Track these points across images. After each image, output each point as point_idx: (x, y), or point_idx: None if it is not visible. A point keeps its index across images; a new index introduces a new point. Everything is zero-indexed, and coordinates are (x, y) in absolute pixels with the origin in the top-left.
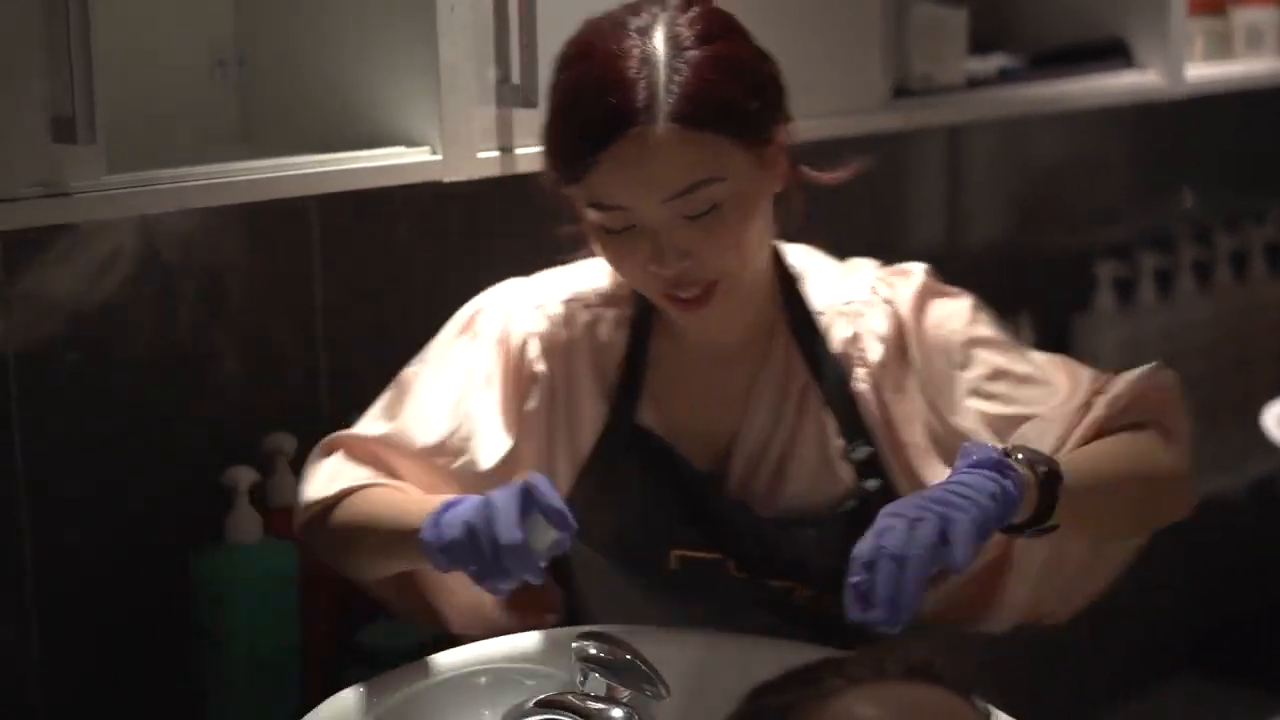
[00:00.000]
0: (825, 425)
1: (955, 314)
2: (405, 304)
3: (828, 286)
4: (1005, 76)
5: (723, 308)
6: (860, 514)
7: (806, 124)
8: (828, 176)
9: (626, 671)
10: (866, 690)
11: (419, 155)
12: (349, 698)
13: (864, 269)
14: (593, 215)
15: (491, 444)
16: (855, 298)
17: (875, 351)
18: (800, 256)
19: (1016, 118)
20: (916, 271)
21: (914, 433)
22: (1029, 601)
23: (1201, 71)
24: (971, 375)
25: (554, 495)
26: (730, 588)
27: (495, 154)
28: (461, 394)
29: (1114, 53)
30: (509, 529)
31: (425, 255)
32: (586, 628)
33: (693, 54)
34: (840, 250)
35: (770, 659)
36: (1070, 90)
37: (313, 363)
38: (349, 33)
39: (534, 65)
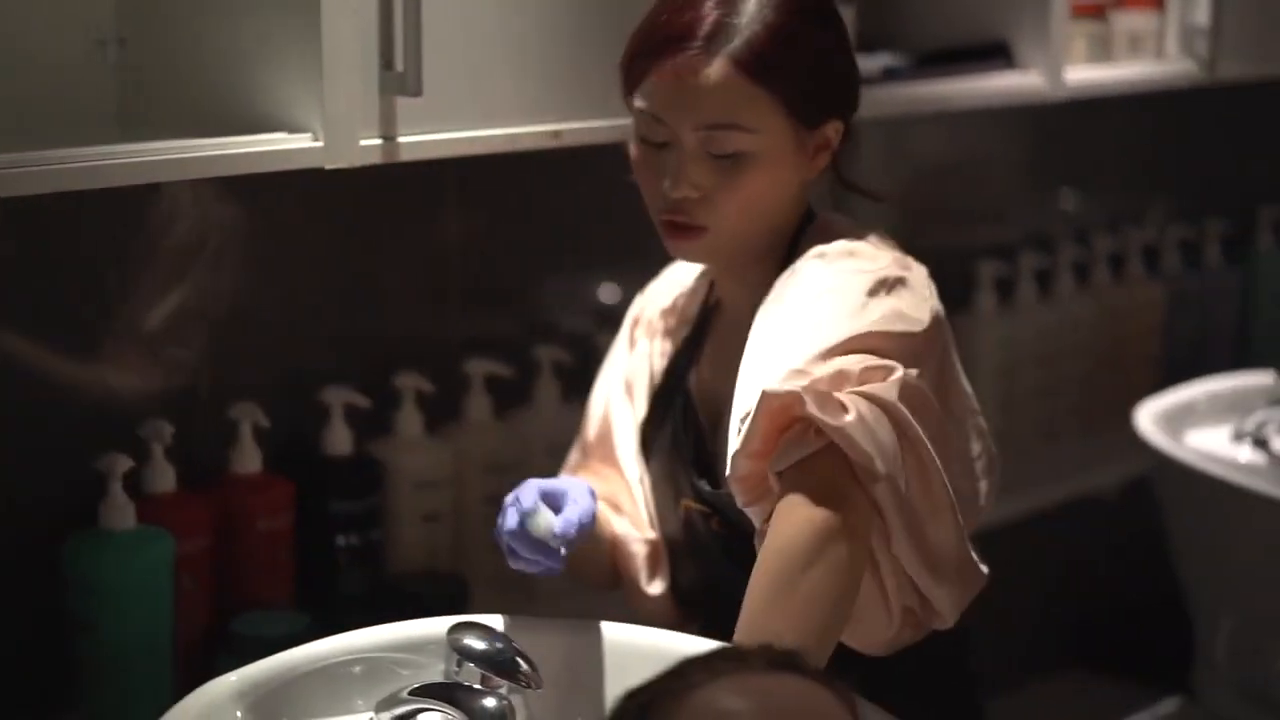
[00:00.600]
0: None
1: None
2: (287, 289)
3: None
4: (889, 76)
5: (709, 256)
6: None
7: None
8: (869, 192)
9: (500, 662)
10: (728, 681)
11: (300, 141)
12: (221, 686)
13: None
14: (639, 124)
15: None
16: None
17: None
18: (814, 231)
19: (900, 117)
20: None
21: None
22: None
23: (1082, 74)
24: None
25: (574, 506)
26: (714, 541)
27: (378, 142)
28: (605, 392)
29: (997, 54)
30: (508, 518)
31: (309, 240)
32: (460, 618)
33: (779, 16)
34: None
35: (648, 649)
36: (953, 90)
37: (192, 350)
38: (232, 16)
39: (418, 53)
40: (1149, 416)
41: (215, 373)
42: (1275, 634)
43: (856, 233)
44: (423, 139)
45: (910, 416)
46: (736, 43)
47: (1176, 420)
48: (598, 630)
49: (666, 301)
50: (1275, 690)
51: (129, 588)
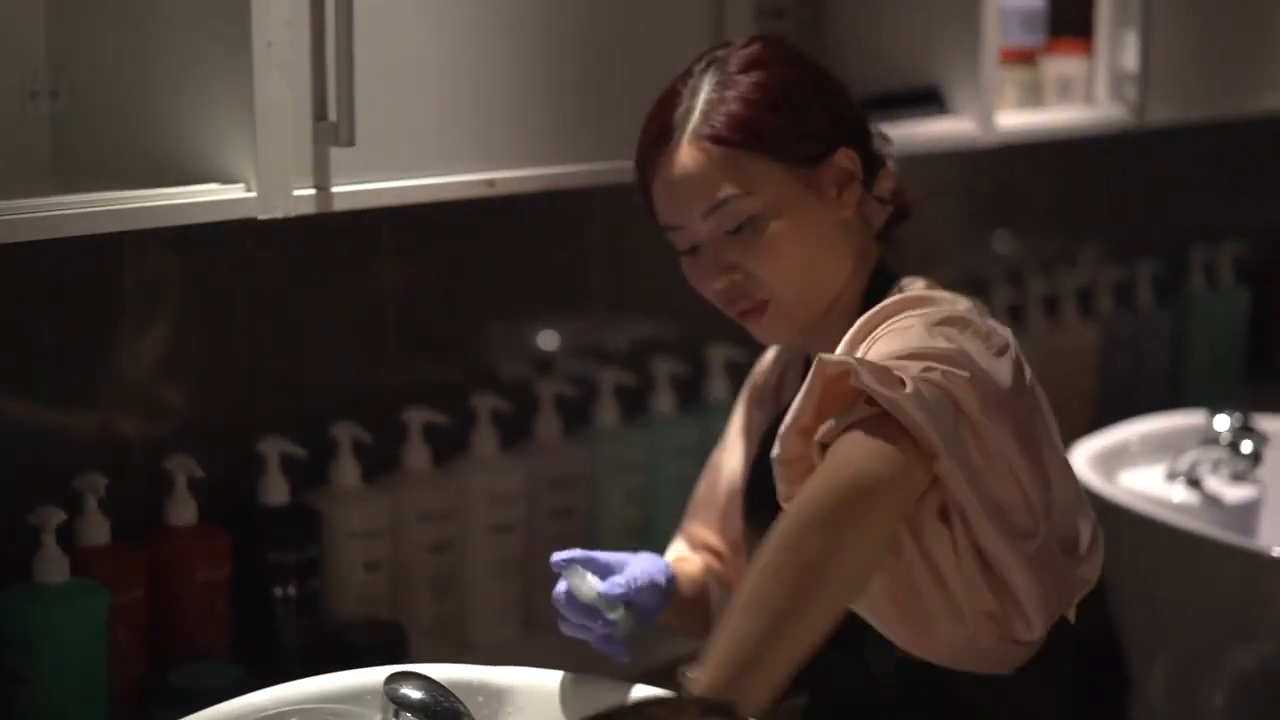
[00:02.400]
0: None
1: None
2: (222, 340)
3: None
4: None
5: (785, 326)
6: None
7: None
8: (912, 194)
9: (437, 711)
10: None
11: (233, 192)
12: None
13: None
14: (671, 242)
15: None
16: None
17: None
18: (913, 286)
19: None
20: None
21: None
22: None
23: (1013, 120)
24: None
25: (630, 570)
26: None
27: (312, 192)
28: (719, 451)
29: (929, 100)
30: (557, 584)
31: (243, 290)
32: (398, 667)
33: (729, 80)
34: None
35: (588, 697)
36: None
37: (124, 401)
38: (165, 67)
39: (351, 103)
40: (1083, 457)
41: (150, 424)
42: (1210, 672)
43: (937, 291)
44: (356, 189)
45: (977, 405)
46: (695, 119)
47: (1110, 461)
48: (537, 679)
49: (769, 369)
50: None
51: (63, 641)
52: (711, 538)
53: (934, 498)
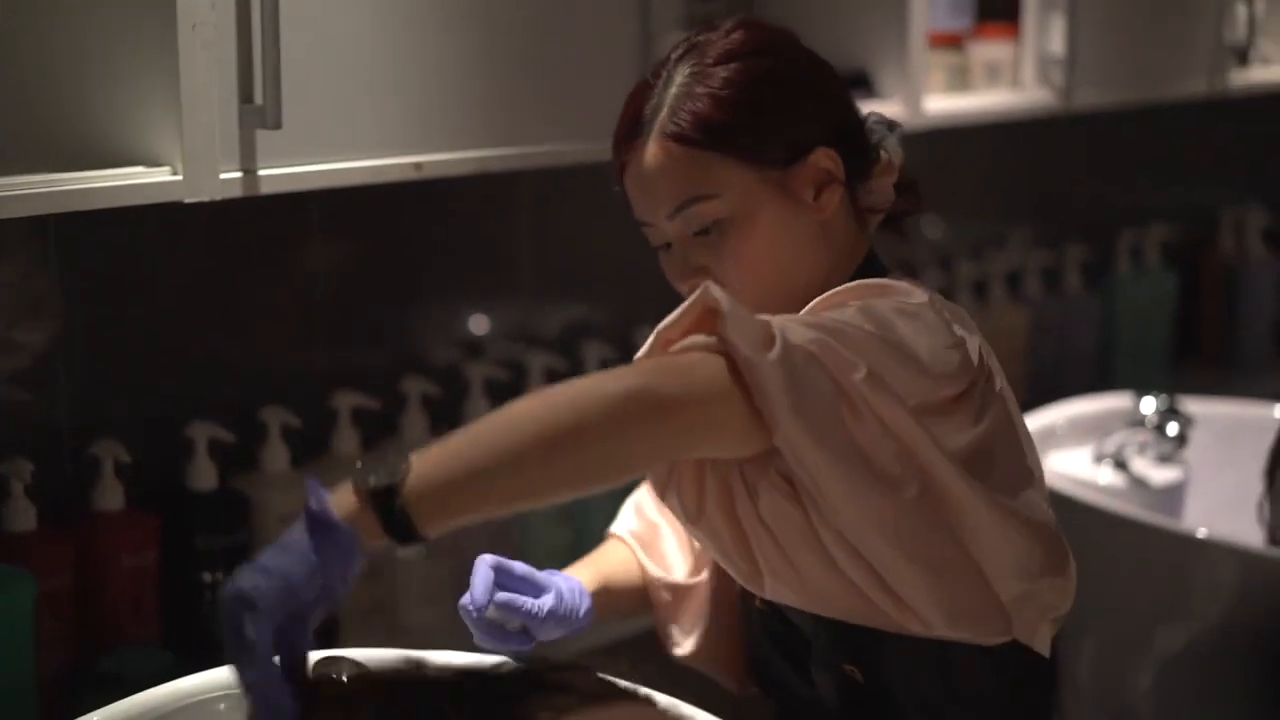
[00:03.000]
0: None
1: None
2: (149, 324)
3: None
4: None
5: None
6: None
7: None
8: (888, 209)
9: None
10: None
11: (159, 175)
12: None
13: None
14: (645, 234)
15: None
16: None
17: None
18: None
19: None
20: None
21: None
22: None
23: (941, 104)
24: None
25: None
26: (758, 619)
27: (238, 175)
28: None
29: (858, 84)
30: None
31: (171, 274)
32: (327, 652)
33: (702, 72)
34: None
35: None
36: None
37: (52, 385)
38: (90, 49)
39: (277, 85)
40: None
41: (76, 409)
42: (1137, 655)
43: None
44: (283, 172)
45: (869, 392)
46: (662, 115)
47: (1039, 443)
48: (468, 661)
49: None
50: (1138, 712)
51: None
52: (659, 514)
53: (770, 466)
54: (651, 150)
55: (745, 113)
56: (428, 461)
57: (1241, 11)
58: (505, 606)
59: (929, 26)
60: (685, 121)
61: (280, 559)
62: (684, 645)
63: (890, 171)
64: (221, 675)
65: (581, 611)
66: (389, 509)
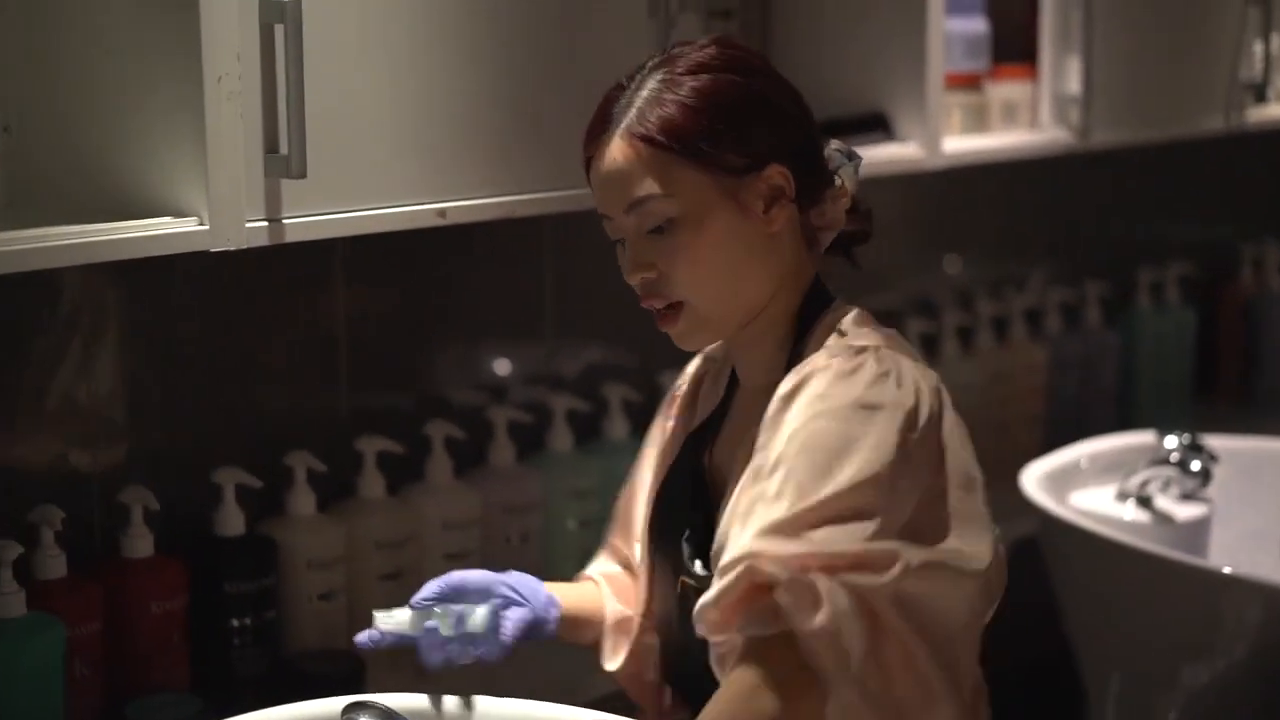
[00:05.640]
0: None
1: (797, 407)
2: (176, 371)
3: (817, 344)
4: None
5: (697, 332)
6: None
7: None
8: (843, 225)
9: None
10: None
11: (186, 225)
12: None
13: (844, 332)
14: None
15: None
16: (814, 360)
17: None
18: (831, 318)
19: None
20: (850, 348)
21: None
22: None
23: (959, 144)
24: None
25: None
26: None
27: (264, 224)
28: (636, 463)
29: (876, 126)
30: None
31: (197, 322)
32: (355, 697)
33: (672, 80)
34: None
35: None
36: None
37: (81, 434)
38: (117, 101)
39: (302, 135)
40: (1034, 478)
41: (105, 457)
42: (1162, 691)
43: (868, 333)
44: (308, 220)
45: (896, 615)
46: (630, 115)
47: (1061, 481)
48: (495, 707)
49: (696, 381)
50: None
51: (19, 676)
52: (628, 551)
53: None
54: (616, 146)
55: (707, 121)
56: None
57: (1258, 48)
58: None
59: (946, 67)
60: (650, 124)
61: None
62: (612, 663)
63: (842, 197)
64: None
65: (542, 599)
66: None
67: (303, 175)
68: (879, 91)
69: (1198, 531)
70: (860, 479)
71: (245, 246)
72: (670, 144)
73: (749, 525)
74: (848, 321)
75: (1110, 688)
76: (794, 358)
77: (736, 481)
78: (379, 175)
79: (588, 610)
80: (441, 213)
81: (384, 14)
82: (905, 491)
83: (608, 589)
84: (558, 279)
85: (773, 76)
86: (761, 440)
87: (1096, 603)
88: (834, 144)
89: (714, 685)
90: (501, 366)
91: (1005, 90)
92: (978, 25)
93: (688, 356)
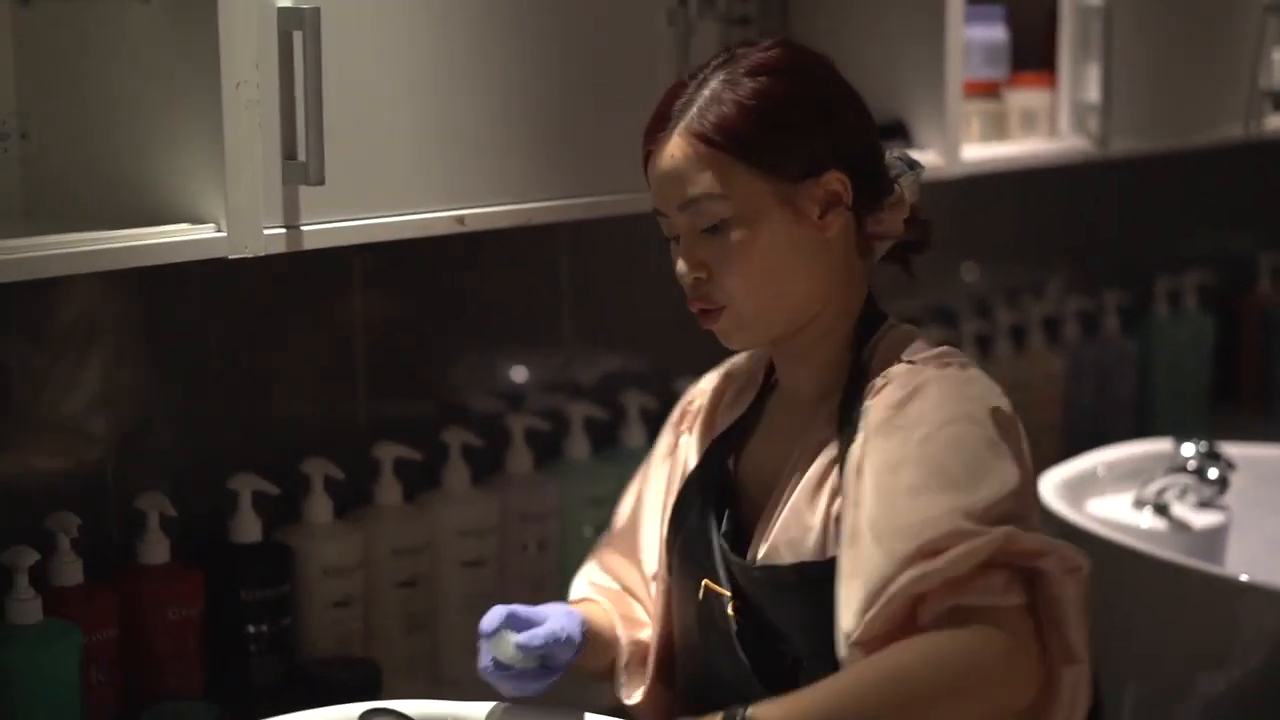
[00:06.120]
0: (824, 489)
1: (918, 410)
2: (193, 377)
3: (887, 359)
4: None
5: (742, 334)
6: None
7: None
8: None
9: None
10: None
11: (204, 232)
12: None
13: (919, 350)
14: (660, 224)
15: (651, 529)
16: (888, 374)
17: (863, 429)
18: (893, 335)
19: None
20: (938, 361)
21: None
22: None
23: (978, 152)
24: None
25: (547, 625)
26: (727, 627)
27: (281, 230)
28: (640, 480)
29: (895, 134)
30: (481, 656)
31: (214, 328)
32: (372, 704)
33: (732, 81)
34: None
35: None
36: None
37: (98, 441)
38: (135, 108)
39: (320, 142)
40: (1051, 486)
41: (122, 463)
42: (1180, 700)
43: (944, 352)
44: (326, 227)
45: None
46: (691, 113)
47: (1078, 489)
48: (511, 714)
49: (718, 394)
50: None
51: (36, 682)
52: (625, 568)
53: None
54: (675, 144)
55: (767, 124)
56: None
57: (1277, 56)
58: (524, 645)
59: (965, 75)
60: (709, 123)
61: None
62: (634, 697)
63: (901, 206)
64: None
65: (577, 630)
66: None
67: (321, 182)
68: (898, 99)
69: (1215, 539)
70: (1014, 484)
71: (263, 253)
72: (727, 145)
73: (928, 510)
74: (913, 349)
75: (1126, 697)
76: (856, 375)
77: (788, 488)
78: (397, 182)
79: (604, 639)
80: (460, 219)
81: (402, 21)
82: (1033, 495)
83: (614, 611)
84: (575, 286)
85: (836, 81)
86: (878, 445)
87: (1113, 611)
88: (895, 152)
89: (733, 690)
90: (519, 374)
91: (1024, 98)
92: (997, 33)
93: (707, 365)
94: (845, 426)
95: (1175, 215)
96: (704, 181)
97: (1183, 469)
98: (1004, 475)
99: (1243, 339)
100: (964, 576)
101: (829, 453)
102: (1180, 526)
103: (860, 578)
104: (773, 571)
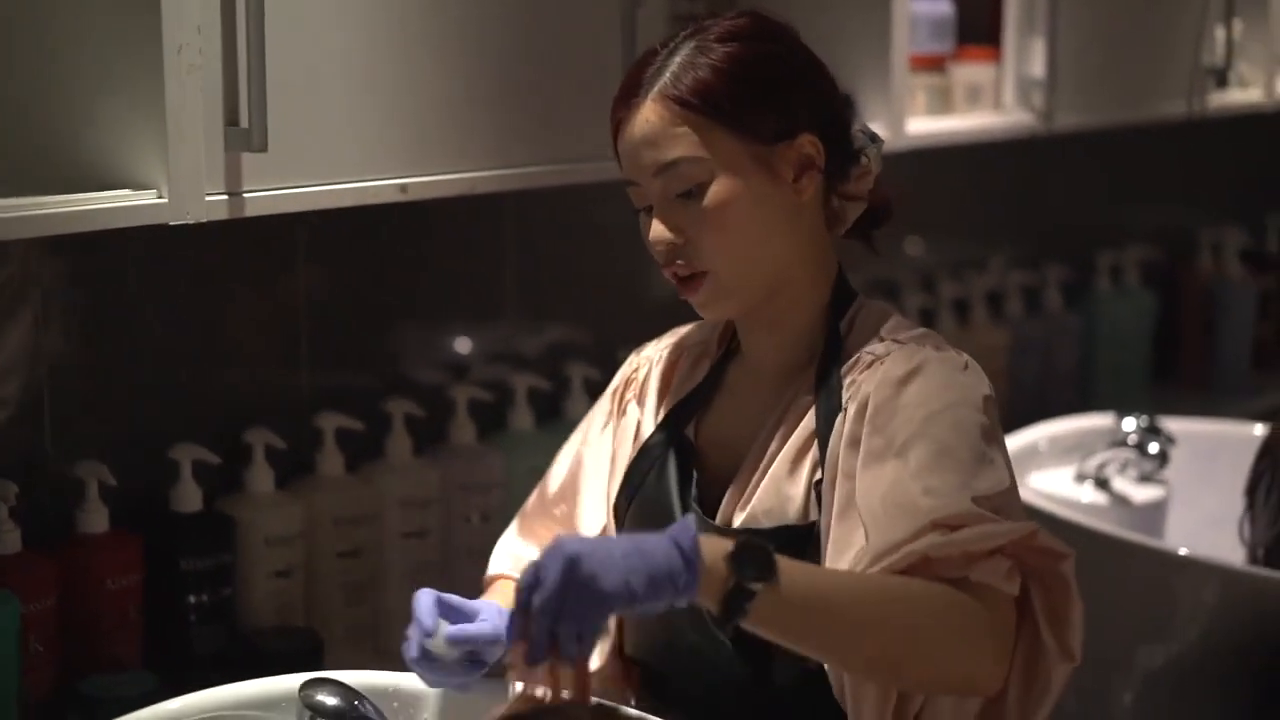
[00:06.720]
0: (805, 460)
1: (921, 389)
2: (135, 346)
3: (865, 334)
4: None
5: (721, 301)
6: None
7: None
8: (863, 199)
9: (352, 718)
10: None
11: (145, 198)
12: None
13: (901, 327)
14: (629, 195)
15: (593, 492)
16: (875, 351)
17: (851, 402)
18: (869, 311)
19: None
20: (932, 342)
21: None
22: None
23: (923, 126)
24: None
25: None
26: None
27: (224, 197)
28: (579, 444)
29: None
30: (410, 647)
31: (156, 297)
32: (313, 674)
33: (705, 47)
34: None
35: (500, 701)
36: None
37: (36, 408)
38: (75, 73)
39: (263, 108)
40: None
41: (61, 431)
42: (1118, 673)
43: (912, 327)
44: (269, 194)
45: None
46: (664, 78)
47: (1020, 462)
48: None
49: (670, 363)
50: None
51: None
52: (555, 533)
53: None
54: (649, 108)
55: (741, 86)
56: (794, 588)
57: (1219, 34)
58: (457, 639)
59: (911, 49)
60: (684, 86)
61: (637, 565)
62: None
63: (867, 178)
64: (207, 697)
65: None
66: (738, 598)
67: (264, 149)
68: (843, 71)
69: (1155, 513)
70: (1009, 482)
71: (204, 220)
72: (704, 106)
73: (940, 487)
74: (893, 326)
75: None
76: (832, 348)
77: (764, 458)
78: (340, 149)
79: None
80: (403, 188)
81: None
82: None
83: None
84: (519, 258)
85: (802, 48)
86: (879, 422)
87: None
88: (857, 125)
89: (690, 658)
90: (462, 345)
91: (969, 72)
92: (942, 7)
93: (650, 337)
94: (824, 398)
95: (1118, 191)
96: (681, 145)
97: (1123, 443)
98: (1000, 469)
99: (1184, 314)
100: (977, 553)
101: (808, 424)
102: (1121, 500)
103: (856, 549)
104: (752, 535)
